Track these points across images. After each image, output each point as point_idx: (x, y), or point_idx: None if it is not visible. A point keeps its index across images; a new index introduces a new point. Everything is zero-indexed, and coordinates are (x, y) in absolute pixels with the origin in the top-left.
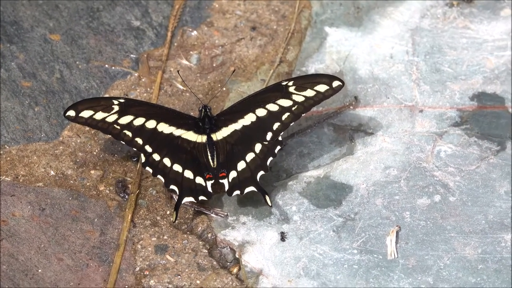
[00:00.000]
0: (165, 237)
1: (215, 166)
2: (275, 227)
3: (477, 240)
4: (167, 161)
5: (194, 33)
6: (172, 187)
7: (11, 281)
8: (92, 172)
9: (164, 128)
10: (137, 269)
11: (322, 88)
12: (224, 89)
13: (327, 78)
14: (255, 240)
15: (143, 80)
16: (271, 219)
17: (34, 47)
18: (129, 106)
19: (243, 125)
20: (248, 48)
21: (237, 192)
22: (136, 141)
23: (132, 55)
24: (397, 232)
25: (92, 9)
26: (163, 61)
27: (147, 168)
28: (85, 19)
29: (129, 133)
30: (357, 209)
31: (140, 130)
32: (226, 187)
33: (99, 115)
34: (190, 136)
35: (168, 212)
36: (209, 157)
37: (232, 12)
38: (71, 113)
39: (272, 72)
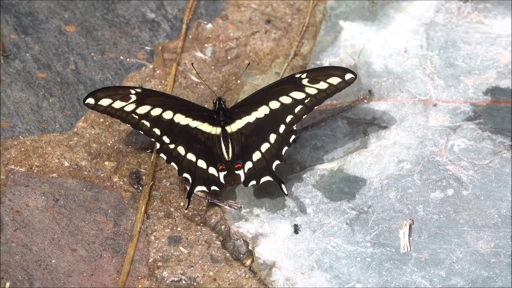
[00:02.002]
0: (179, 229)
1: (230, 158)
2: (289, 219)
3: (490, 234)
4: (181, 150)
5: (209, 25)
6: (185, 175)
7: (24, 271)
8: (106, 163)
9: (181, 119)
10: (151, 260)
11: (335, 80)
12: (239, 81)
13: (340, 71)
14: (268, 232)
15: (157, 72)
16: (284, 212)
17: (49, 39)
18: (146, 96)
19: (257, 117)
20: (263, 41)
21: (253, 182)
22: (154, 131)
23: (147, 47)
24: (410, 226)
25: (107, 1)
26: (177, 53)
27: (161, 155)
28: (100, 11)
29: (147, 123)
30: (371, 202)
31: (158, 121)
32: (242, 178)
33: (118, 104)
34: (205, 127)
35: (181, 204)
36: (223, 149)
37: (247, 5)
38: (91, 100)
39: (286, 65)
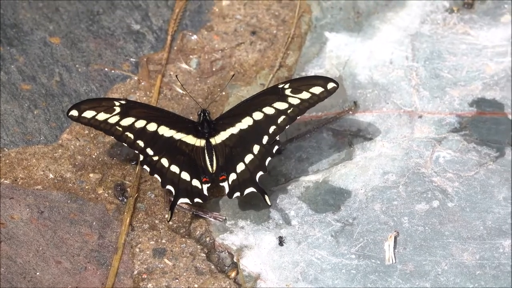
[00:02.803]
0: (163, 241)
1: (214, 171)
2: (273, 231)
3: (475, 246)
4: (165, 162)
5: (194, 37)
6: (169, 187)
7: (9, 284)
8: (91, 175)
9: (165, 131)
10: (135, 272)
11: (317, 90)
12: (224, 93)
13: (322, 80)
14: (253, 244)
15: (142, 83)
16: (269, 224)
17: (34, 50)
18: (130, 108)
19: (240, 129)
20: (248, 52)
21: (237, 194)
22: (138, 144)
23: (132, 59)
24: (395, 238)
25: (92, 13)
26: (162, 65)
27: (145, 167)
28: (85, 22)
29: (131, 135)
30: (356, 214)
31: (141, 133)
32: (227, 190)
33: (101, 116)
34: (189, 139)
35: (166, 216)
36: (208, 162)
37: (232, 17)
38: (74, 112)
39: (271, 76)
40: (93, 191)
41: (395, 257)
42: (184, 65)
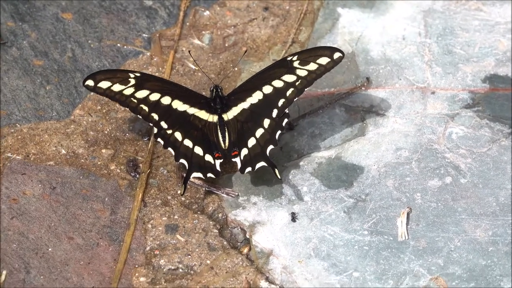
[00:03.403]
0: (176, 217)
1: (226, 147)
2: (286, 207)
3: (488, 222)
4: (178, 136)
5: (207, 13)
6: (182, 161)
7: (21, 260)
8: (103, 151)
9: (179, 105)
10: (147, 248)
11: (324, 61)
12: (236, 69)
13: (329, 51)
14: (265, 220)
15: (155, 59)
16: (282, 200)
17: (46, 26)
18: (145, 81)
19: (251, 103)
20: (261, 28)
21: (249, 168)
22: (152, 116)
23: (144, 35)
24: (408, 214)
25: None
26: (175, 40)
27: (159, 139)
28: None
29: (145, 108)
30: (368, 190)
31: (156, 106)
32: (239, 165)
33: (117, 87)
34: (202, 115)
35: (179, 192)
36: (220, 138)
37: None
38: (90, 82)
39: (284, 52)
40: (106, 167)
41: (407, 233)
42: (196, 41)
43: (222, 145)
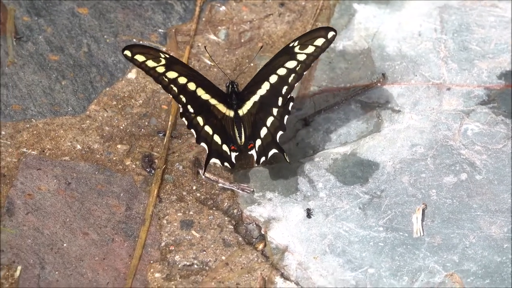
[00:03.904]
0: (191, 213)
1: (242, 143)
2: (301, 203)
3: (503, 219)
4: (200, 121)
5: (223, 8)
6: (203, 144)
7: (36, 255)
8: (119, 146)
9: (202, 93)
10: (163, 244)
11: (320, 42)
12: (252, 64)
13: (324, 31)
14: (281, 216)
15: (171, 54)
16: (297, 196)
17: (62, 21)
18: (173, 63)
19: (261, 95)
20: (277, 24)
21: (263, 158)
22: (181, 98)
23: (160, 30)
24: (423, 210)
25: None
26: (191, 36)
27: (183, 119)
28: None
29: (175, 89)
30: (384, 187)
31: (183, 89)
32: (255, 157)
33: (150, 63)
34: (221, 107)
35: (194, 188)
36: (236, 133)
37: None
38: (128, 53)
39: None
40: (121, 162)
41: (423, 229)
42: (212, 36)
43: (238, 140)
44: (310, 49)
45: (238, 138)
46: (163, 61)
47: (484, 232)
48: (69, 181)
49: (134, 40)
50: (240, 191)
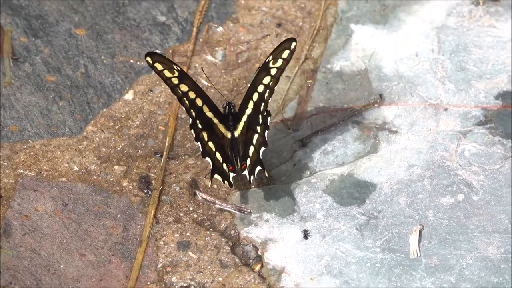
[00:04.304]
0: (188, 234)
1: (238, 166)
2: (298, 224)
3: (500, 240)
4: (205, 135)
5: (220, 29)
6: (207, 159)
7: (33, 276)
8: (116, 167)
9: (207, 111)
10: (160, 265)
11: (286, 54)
12: (249, 85)
13: (288, 42)
14: (278, 237)
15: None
16: (294, 217)
17: (59, 42)
18: (184, 77)
19: (248, 115)
20: (274, 44)
21: (252, 177)
22: (191, 112)
23: (157, 51)
24: (420, 231)
25: (117, 4)
26: (188, 56)
27: (192, 131)
28: (110, 14)
29: (187, 102)
30: (381, 208)
31: (193, 104)
32: (247, 177)
33: (167, 73)
34: (221, 127)
35: (191, 209)
36: (234, 157)
37: (258, 9)
38: (149, 59)
39: (297, 69)
40: (118, 183)
41: (419, 250)
42: (209, 57)
43: (235, 164)
44: (279, 62)
45: (235, 162)
46: (176, 73)
47: (481, 253)
48: (66, 202)
49: (131, 61)
50: (237, 212)
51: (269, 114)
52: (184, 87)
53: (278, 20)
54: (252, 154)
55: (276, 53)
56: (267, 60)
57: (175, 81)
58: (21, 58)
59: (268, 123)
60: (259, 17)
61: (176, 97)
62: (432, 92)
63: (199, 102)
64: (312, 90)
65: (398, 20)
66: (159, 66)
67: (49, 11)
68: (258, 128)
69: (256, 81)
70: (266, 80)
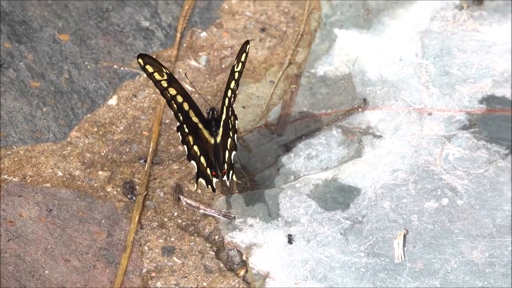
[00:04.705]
0: (172, 239)
1: (220, 173)
2: (283, 229)
3: (484, 244)
4: (191, 139)
5: (203, 34)
6: (192, 162)
7: (17, 282)
8: (100, 173)
9: (193, 115)
10: (144, 270)
11: (243, 57)
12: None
13: (245, 45)
14: (262, 242)
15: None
16: (278, 222)
17: (43, 47)
18: (172, 81)
19: (223, 120)
20: (257, 49)
21: (228, 181)
22: (179, 116)
23: None
24: (404, 235)
25: (101, 9)
26: (172, 62)
27: (178, 134)
28: (94, 19)
29: (175, 106)
30: (365, 212)
31: (180, 108)
32: (227, 182)
33: (157, 76)
34: (205, 133)
35: (175, 214)
36: (216, 163)
37: (241, 13)
38: (140, 61)
39: (281, 74)
40: (102, 189)
41: (404, 255)
42: (193, 62)
43: (218, 170)
44: (240, 66)
45: (218, 168)
46: (165, 76)
47: (465, 257)
48: (51, 208)
49: (115, 66)
50: (222, 217)
51: (235, 117)
52: (172, 91)
53: (262, 25)
54: (227, 158)
55: (238, 58)
56: (233, 65)
57: (164, 84)
58: (5, 64)
59: (236, 126)
60: (243, 22)
61: (165, 100)
62: (416, 97)
63: (186, 106)
64: (296, 94)
65: (382, 24)
66: (149, 68)
67: (33, 16)
68: (231, 132)
69: (227, 86)
70: (233, 84)
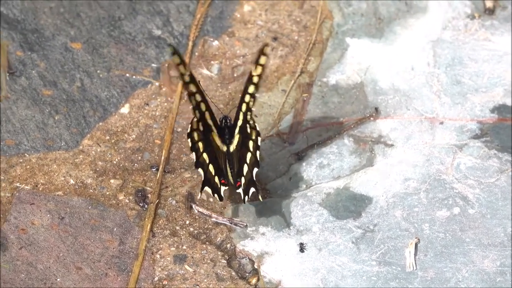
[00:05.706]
0: (184, 247)
1: (232, 182)
2: (294, 238)
3: (496, 253)
4: (201, 146)
5: (216, 42)
6: (199, 170)
7: None
8: (112, 181)
9: (208, 118)
10: (156, 279)
11: (263, 60)
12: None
13: (263, 47)
14: (274, 250)
15: (163, 89)
16: (290, 230)
17: (55, 56)
18: (193, 79)
19: (240, 127)
20: (269, 58)
21: (246, 197)
22: (196, 113)
23: (153, 64)
24: (416, 244)
25: (113, 18)
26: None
27: (189, 140)
28: (106, 27)
29: (193, 102)
30: (376, 221)
31: (198, 106)
32: (242, 195)
33: (181, 69)
34: (217, 140)
35: (187, 222)
36: (228, 170)
37: (253, 22)
38: (171, 49)
39: (293, 82)
40: (114, 197)
41: (415, 264)
42: (205, 71)
43: (230, 179)
44: (259, 69)
45: (230, 176)
46: (188, 72)
47: (477, 266)
48: (63, 215)
49: (127, 74)
50: (233, 226)
51: (258, 134)
52: (192, 87)
53: (274, 34)
54: (247, 173)
55: (256, 62)
56: (251, 70)
57: (187, 78)
58: (17, 72)
59: (259, 143)
60: (255, 31)
61: (187, 94)
62: (428, 106)
63: (203, 106)
64: (308, 103)
65: (394, 33)
66: (177, 59)
67: (45, 25)
68: (251, 145)
69: (243, 91)
70: (251, 89)
